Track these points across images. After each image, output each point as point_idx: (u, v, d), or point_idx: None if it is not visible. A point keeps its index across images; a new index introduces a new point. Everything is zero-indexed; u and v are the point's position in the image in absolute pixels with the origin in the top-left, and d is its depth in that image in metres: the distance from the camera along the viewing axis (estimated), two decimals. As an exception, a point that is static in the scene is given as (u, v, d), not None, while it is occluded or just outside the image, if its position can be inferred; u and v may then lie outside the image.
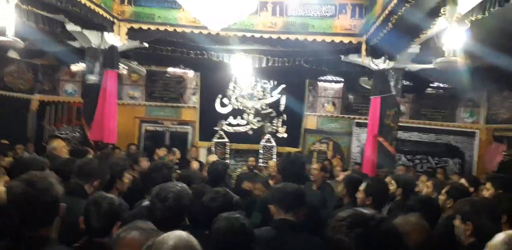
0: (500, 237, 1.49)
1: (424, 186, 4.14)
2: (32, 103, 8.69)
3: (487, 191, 3.32)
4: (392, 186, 3.91)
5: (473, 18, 3.61)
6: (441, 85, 8.29)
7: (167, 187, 2.06)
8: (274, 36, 5.86)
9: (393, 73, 5.95)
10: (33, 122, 8.66)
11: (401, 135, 8.06)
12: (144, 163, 5.01)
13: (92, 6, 5.12)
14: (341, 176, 5.32)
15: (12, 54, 7.99)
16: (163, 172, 2.90)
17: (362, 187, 3.09)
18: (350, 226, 1.24)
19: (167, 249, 1.27)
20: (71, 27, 5.76)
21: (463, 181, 4.02)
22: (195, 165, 6.15)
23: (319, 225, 2.62)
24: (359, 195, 3.07)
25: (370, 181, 3.09)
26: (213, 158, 7.08)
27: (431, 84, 8.18)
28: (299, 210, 2.35)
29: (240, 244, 1.89)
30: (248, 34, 5.88)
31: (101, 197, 2.05)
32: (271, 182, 4.63)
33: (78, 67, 8.47)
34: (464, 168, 8.22)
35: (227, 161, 8.14)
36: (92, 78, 6.08)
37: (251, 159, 6.83)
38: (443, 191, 3.49)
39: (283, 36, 5.85)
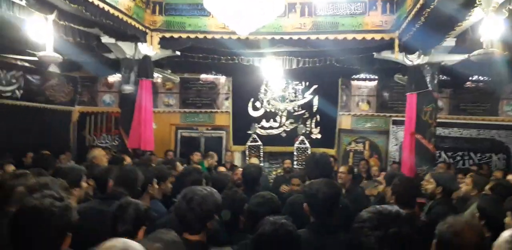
0: (504, 235, 1.42)
1: (463, 184, 3.98)
2: (73, 114, 9.05)
3: None
4: (431, 185, 3.79)
5: (511, 7, 3.46)
6: (481, 78, 7.98)
7: (195, 189, 2.10)
8: (304, 37, 5.84)
9: (428, 68, 5.78)
10: (75, 133, 9.01)
11: (441, 131, 7.81)
12: (180, 168, 5.11)
13: (125, 18, 5.29)
14: (381, 175, 5.21)
15: (53, 68, 8.35)
16: (193, 176, 2.94)
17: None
18: (371, 228, 1.25)
19: None
20: (106, 39, 5.98)
21: (510, 177, 3.85)
22: (222, 168, 6.19)
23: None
24: (387, 193, 3.02)
25: (398, 179, 3.00)
26: (255, 161, 7.14)
27: (470, 78, 7.89)
28: (334, 212, 2.32)
29: None
30: (277, 37, 5.89)
31: (127, 202, 2.12)
32: None
33: (114, 78, 8.77)
34: (510, 163, 7.86)
35: (262, 164, 8.16)
36: (128, 88, 6.26)
37: (287, 161, 6.78)
38: (487, 187, 3.36)
39: (313, 37, 5.82)
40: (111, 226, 2.08)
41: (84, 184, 2.74)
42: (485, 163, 7.83)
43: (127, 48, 6.18)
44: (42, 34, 4.65)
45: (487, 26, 3.67)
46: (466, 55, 5.19)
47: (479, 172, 6.03)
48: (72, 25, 5.27)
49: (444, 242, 1.86)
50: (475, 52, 3.71)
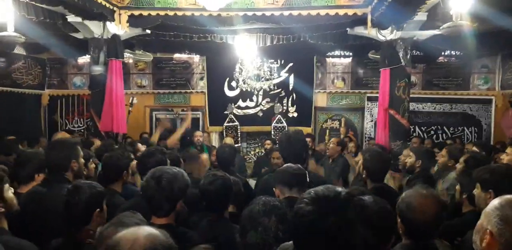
0: (493, 202, 1.42)
1: (440, 156, 4.07)
2: (43, 98, 8.77)
3: (507, 156, 3.25)
4: (411, 158, 3.87)
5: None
6: (453, 53, 8.07)
7: (163, 168, 2.05)
8: (276, 13, 5.73)
9: (401, 43, 5.78)
10: (45, 117, 8.76)
11: (414, 106, 7.93)
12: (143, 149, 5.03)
13: (90, -5, 5.07)
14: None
15: (19, 50, 8.02)
16: (156, 157, 2.87)
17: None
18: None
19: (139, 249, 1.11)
20: (72, 18, 5.73)
21: (474, 148, 3.96)
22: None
23: None
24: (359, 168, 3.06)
25: (368, 154, 3.02)
26: (230, 141, 7.10)
27: (442, 53, 7.96)
28: (302, 188, 2.32)
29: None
30: (250, 13, 5.75)
31: (78, 185, 2.04)
32: None
33: (84, 59, 8.49)
34: (482, 136, 8.07)
35: (239, 144, 8.15)
36: (98, 69, 6.07)
37: (267, 141, 6.75)
38: (461, 159, 3.43)
39: (286, 13, 5.71)
40: (64, 211, 1.99)
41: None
42: (457, 136, 8.01)
43: (94, 27, 5.95)
44: (2, 12, 4.41)
45: (457, -2, 3.67)
46: (437, 29, 5.20)
47: (453, 146, 6.17)
48: (34, 3, 5.03)
49: (403, 217, 1.90)
50: (445, 25, 3.72)
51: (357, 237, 1.11)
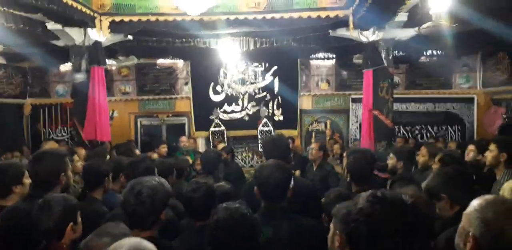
0: (473, 204, 1.42)
1: (420, 155, 4.10)
2: (25, 107, 8.62)
3: (490, 152, 3.28)
4: (391, 160, 3.89)
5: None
6: (434, 53, 8.18)
7: (142, 181, 1.96)
8: (259, 16, 5.74)
9: (383, 44, 5.84)
10: (28, 127, 8.61)
11: (398, 106, 8.00)
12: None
13: (70, 2, 4.99)
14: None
15: (-1, 59, 7.89)
16: (144, 163, 2.83)
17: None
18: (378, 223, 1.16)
19: None
20: (51, 26, 5.65)
21: (452, 145, 4.00)
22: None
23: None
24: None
25: (352, 157, 3.02)
26: (222, 147, 7.05)
27: (424, 53, 8.07)
28: (284, 195, 2.24)
29: (242, 236, 1.80)
30: (232, 17, 5.76)
31: (48, 199, 1.96)
32: None
33: (66, 67, 8.37)
34: (465, 135, 8.19)
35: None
36: (80, 76, 5.98)
37: None
38: (436, 159, 3.46)
39: (268, 16, 5.73)
40: (34, 225, 1.91)
41: (26, 181, 2.50)
42: (441, 135, 8.11)
43: (75, 35, 5.88)
44: (-22, 21, 4.34)
45: (435, -2, 3.73)
46: (417, 29, 5.27)
47: (433, 145, 6.23)
48: (12, 11, 4.95)
49: None
50: (425, 25, 3.78)
51: (415, 242, 1.13)
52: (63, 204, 1.92)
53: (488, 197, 1.45)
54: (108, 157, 4.94)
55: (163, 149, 6.55)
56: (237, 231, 1.78)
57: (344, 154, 5.55)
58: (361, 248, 1.15)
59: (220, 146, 6.88)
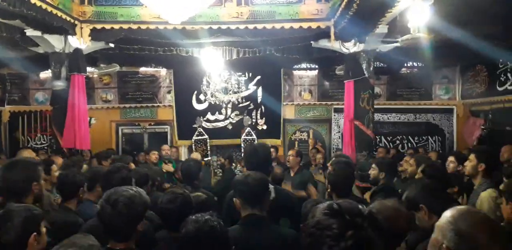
0: (445, 215, 1.40)
1: (408, 165, 4.13)
2: (3, 115, 8.44)
3: (470, 162, 3.32)
4: (374, 171, 3.91)
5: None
6: (415, 64, 8.32)
7: (119, 191, 1.91)
8: (241, 26, 5.77)
9: (364, 55, 5.91)
10: (6, 135, 8.42)
11: (380, 117, 8.09)
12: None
13: (49, 8, 4.92)
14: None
15: (-24, 66, 7.73)
16: (122, 173, 2.78)
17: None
18: (334, 238, 1.14)
19: None
20: (30, 32, 5.57)
21: (433, 155, 4.04)
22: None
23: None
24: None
25: (333, 169, 3.02)
26: (196, 156, 7.00)
27: (404, 64, 8.19)
28: (264, 204, 2.26)
29: (212, 248, 1.77)
30: (215, 26, 5.77)
31: (9, 210, 1.89)
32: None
33: (46, 74, 8.25)
34: (445, 145, 8.30)
35: (209, 158, 8.06)
36: (59, 84, 5.91)
37: None
38: (419, 170, 3.49)
39: (250, 26, 5.76)
40: None
41: None
42: (422, 145, 8.21)
43: (55, 42, 5.80)
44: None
45: (414, 12, 3.79)
46: (396, 44, 5.37)
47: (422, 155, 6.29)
48: (-11, 17, 4.87)
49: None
50: (404, 38, 3.83)
51: None
52: (24, 214, 1.85)
53: (460, 208, 1.43)
54: (85, 166, 4.85)
55: (154, 155, 6.48)
56: (207, 243, 1.75)
57: (329, 164, 5.58)
58: None
59: (195, 155, 6.80)
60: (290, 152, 5.04)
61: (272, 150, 6.05)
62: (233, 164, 6.72)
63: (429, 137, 8.41)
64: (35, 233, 1.85)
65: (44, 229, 1.93)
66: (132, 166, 5.14)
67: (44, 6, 4.79)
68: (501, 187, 3.02)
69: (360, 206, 1.16)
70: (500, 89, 7.05)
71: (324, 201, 2.71)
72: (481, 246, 1.29)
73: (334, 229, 1.09)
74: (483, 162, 3.29)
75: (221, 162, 5.29)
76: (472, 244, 1.29)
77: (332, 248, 1.08)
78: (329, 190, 2.99)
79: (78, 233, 1.84)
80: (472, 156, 3.39)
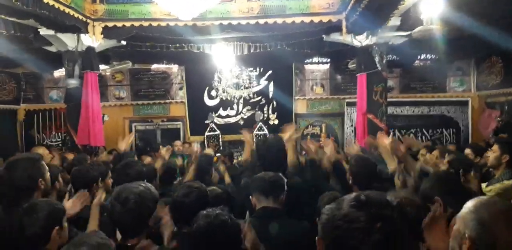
0: (467, 205, 1.39)
1: (423, 159, 4.08)
2: (19, 113, 8.58)
3: (493, 153, 3.27)
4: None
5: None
6: (428, 56, 8.20)
7: (128, 187, 1.91)
8: (252, 21, 5.76)
9: (376, 48, 5.85)
10: (22, 133, 8.56)
11: (393, 110, 8.01)
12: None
13: (62, 8, 4.98)
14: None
15: (-9, 65, 7.85)
16: (138, 167, 2.79)
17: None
18: (363, 231, 1.07)
19: None
20: (44, 31, 5.64)
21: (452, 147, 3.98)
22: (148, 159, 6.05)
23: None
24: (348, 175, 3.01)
25: (354, 160, 3.00)
26: (209, 151, 7.02)
27: (418, 57, 8.08)
28: (279, 196, 2.29)
29: (223, 243, 1.77)
30: (225, 22, 5.77)
31: (35, 203, 1.94)
32: None
33: (60, 73, 8.33)
34: (460, 138, 8.20)
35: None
36: (73, 82, 5.98)
37: None
38: (445, 160, 3.44)
39: (261, 21, 5.74)
40: (18, 230, 1.87)
41: None
42: (437, 138, 8.12)
43: (68, 40, 5.87)
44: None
45: (427, 3, 3.74)
46: (409, 33, 5.29)
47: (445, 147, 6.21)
48: (3, 16, 4.93)
49: None
50: (416, 29, 3.79)
51: (402, 245, 1.07)
52: (48, 208, 1.89)
53: (481, 198, 1.43)
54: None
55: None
56: (218, 238, 1.76)
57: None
58: None
59: (208, 150, 6.83)
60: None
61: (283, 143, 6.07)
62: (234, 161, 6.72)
63: (444, 130, 8.31)
64: (57, 227, 1.89)
65: (66, 224, 1.97)
66: (148, 159, 5.19)
67: (56, 5, 4.84)
68: None
69: (388, 197, 1.12)
70: (516, 80, 6.93)
71: (340, 195, 2.71)
72: (503, 235, 1.28)
73: (362, 222, 1.05)
74: (507, 153, 3.23)
75: (222, 159, 5.27)
76: (495, 233, 1.29)
77: (361, 241, 1.05)
78: (350, 182, 2.97)
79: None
80: (495, 147, 3.32)
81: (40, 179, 2.39)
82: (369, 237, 1.05)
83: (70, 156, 4.63)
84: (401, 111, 8.32)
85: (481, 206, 1.36)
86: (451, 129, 8.28)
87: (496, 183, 3.13)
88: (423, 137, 8.31)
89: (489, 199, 1.46)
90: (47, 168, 2.50)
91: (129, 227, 1.88)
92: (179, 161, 6.25)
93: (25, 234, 1.85)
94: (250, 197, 2.37)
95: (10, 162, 2.42)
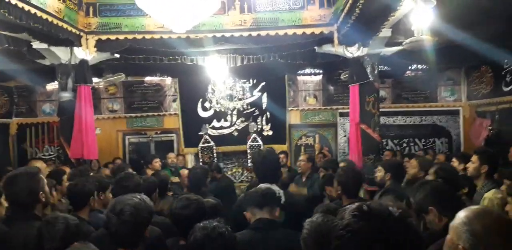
0: (459, 216, 1.40)
1: (411, 167, 4.12)
2: (11, 127, 8.53)
3: (472, 163, 3.32)
4: (380, 172, 3.90)
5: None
6: (419, 67, 8.31)
7: (123, 199, 1.93)
8: (245, 33, 5.81)
9: (368, 59, 5.91)
10: (14, 147, 8.49)
11: (386, 120, 8.08)
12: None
13: (55, 21, 5.00)
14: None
15: (-17, 79, 7.82)
16: (135, 180, 2.80)
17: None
18: (367, 241, 1.07)
19: None
20: (37, 45, 5.64)
21: (441, 157, 4.02)
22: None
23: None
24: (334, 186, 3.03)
25: (341, 169, 3.03)
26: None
27: (409, 67, 8.19)
28: (273, 208, 2.30)
29: None
30: (218, 34, 5.82)
31: (54, 218, 1.94)
32: None
33: (53, 86, 8.33)
34: (452, 147, 8.26)
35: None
36: (66, 95, 5.96)
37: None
38: (431, 171, 3.48)
39: (254, 33, 5.80)
40: (36, 244, 1.88)
41: (3, 202, 2.48)
42: (429, 147, 8.17)
43: (61, 53, 5.86)
44: (-38, 41, 4.31)
45: (417, 14, 3.81)
46: (400, 47, 5.38)
47: (424, 157, 6.27)
48: (-4, 30, 4.94)
49: None
50: (407, 41, 3.84)
51: None
52: (66, 223, 1.92)
53: (474, 208, 1.44)
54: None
55: (156, 163, 6.49)
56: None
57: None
58: None
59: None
60: (302, 157, 5.06)
61: (282, 155, 6.09)
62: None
63: (436, 139, 8.38)
64: (76, 242, 1.92)
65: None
66: (149, 172, 5.19)
67: (50, 18, 4.86)
68: (503, 187, 3.02)
69: (390, 208, 1.12)
70: (506, 89, 7.04)
71: (334, 206, 2.71)
72: (497, 246, 1.29)
73: (364, 233, 1.05)
74: (486, 164, 3.28)
75: (214, 176, 5.28)
76: (488, 244, 1.29)
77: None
78: (339, 192, 2.99)
79: (78, 242, 1.88)
80: (474, 158, 3.39)
81: (41, 192, 2.39)
82: (370, 247, 1.04)
83: (67, 169, 4.59)
84: (394, 121, 8.39)
85: (474, 217, 1.36)
86: (443, 138, 8.35)
87: (480, 198, 3.16)
88: (416, 147, 8.36)
89: (482, 209, 1.47)
90: (45, 180, 2.51)
91: (126, 239, 1.89)
92: (175, 179, 6.20)
93: (44, 246, 1.86)
94: (244, 213, 2.37)
95: (10, 177, 2.41)
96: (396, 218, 1.09)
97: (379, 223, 1.06)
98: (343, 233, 1.07)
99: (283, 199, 2.56)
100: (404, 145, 8.37)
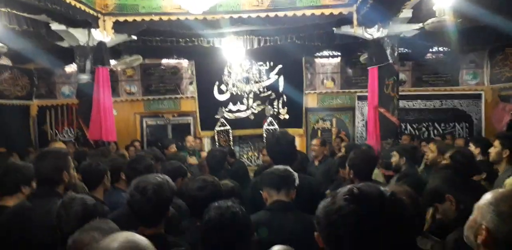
0: (486, 197, 1.38)
1: (430, 151, 4.06)
2: (32, 109, 8.68)
3: (494, 148, 3.25)
4: (395, 157, 3.86)
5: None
6: (440, 49, 8.10)
7: (147, 178, 1.96)
8: (262, 14, 5.72)
9: (388, 41, 5.78)
10: (35, 128, 8.66)
11: (405, 103, 7.94)
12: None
13: (73, 2, 5.01)
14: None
15: (4, 60, 7.93)
16: (146, 161, 2.83)
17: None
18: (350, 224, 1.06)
19: None
20: (55, 26, 5.68)
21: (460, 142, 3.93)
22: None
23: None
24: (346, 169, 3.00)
25: (353, 152, 2.98)
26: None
27: (430, 50, 7.98)
28: (289, 190, 2.30)
29: (234, 234, 1.78)
30: (235, 16, 5.75)
31: (71, 198, 1.95)
32: None
33: (72, 68, 8.40)
34: (473, 131, 8.10)
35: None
36: (84, 77, 6.03)
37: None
38: (446, 155, 3.42)
39: (271, 14, 5.71)
40: (55, 226, 1.89)
41: (33, 184, 2.54)
42: (449, 132, 8.03)
43: (79, 35, 5.91)
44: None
45: (439, -6, 3.68)
46: (421, 25, 5.22)
47: (443, 141, 6.17)
48: (15, 12, 4.97)
49: None
50: (429, 21, 3.74)
51: (399, 238, 1.07)
52: (82, 204, 1.93)
53: (502, 190, 1.43)
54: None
55: (172, 149, 6.53)
56: (228, 230, 1.77)
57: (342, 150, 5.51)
58: (340, 248, 1.08)
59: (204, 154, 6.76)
60: (315, 142, 5.03)
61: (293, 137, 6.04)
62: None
63: (456, 124, 8.21)
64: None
65: None
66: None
67: (68, 0, 4.87)
68: None
69: (381, 189, 1.10)
70: (531, 72, 6.82)
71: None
72: None
73: (356, 216, 1.04)
74: (508, 148, 3.21)
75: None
76: None
77: (354, 235, 1.05)
78: (351, 175, 2.96)
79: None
80: (496, 142, 3.32)
81: (65, 171, 2.46)
82: (361, 230, 1.04)
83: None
84: (413, 105, 8.24)
85: (501, 198, 1.35)
86: (464, 123, 8.18)
87: (501, 183, 3.09)
88: (435, 131, 8.22)
89: (509, 191, 1.45)
90: (72, 164, 2.58)
91: (149, 216, 1.92)
92: (192, 160, 6.22)
93: (61, 225, 1.88)
94: (261, 191, 2.37)
95: (42, 152, 2.56)
96: (386, 199, 1.08)
97: (371, 205, 1.05)
98: (335, 218, 1.07)
99: (296, 181, 2.55)
100: (423, 129, 8.23)
